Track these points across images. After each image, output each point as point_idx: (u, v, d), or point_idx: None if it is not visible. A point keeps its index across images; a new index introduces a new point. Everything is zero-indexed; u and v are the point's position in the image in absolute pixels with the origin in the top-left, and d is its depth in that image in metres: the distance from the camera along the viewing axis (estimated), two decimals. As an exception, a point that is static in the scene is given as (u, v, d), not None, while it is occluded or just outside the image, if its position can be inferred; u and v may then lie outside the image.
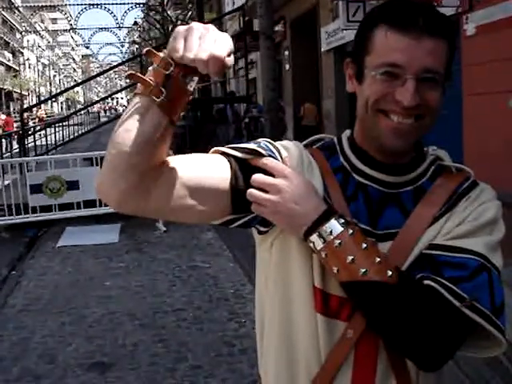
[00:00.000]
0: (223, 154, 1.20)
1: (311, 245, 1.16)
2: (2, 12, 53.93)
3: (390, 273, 1.11)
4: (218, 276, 6.27)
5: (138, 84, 1.06)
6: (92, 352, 4.47)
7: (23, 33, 63.41)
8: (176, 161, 1.14)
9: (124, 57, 59.08)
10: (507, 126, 7.93)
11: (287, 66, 18.42)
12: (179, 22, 32.61)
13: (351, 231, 1.13)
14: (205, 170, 1.16)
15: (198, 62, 0.98)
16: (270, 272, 1.28)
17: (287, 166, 1.19)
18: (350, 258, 1.12)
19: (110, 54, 74.92)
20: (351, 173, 1.26)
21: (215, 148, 1.23)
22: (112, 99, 76.06)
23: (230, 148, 1.21)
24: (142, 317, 5.13)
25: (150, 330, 4.83)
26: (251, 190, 1.15)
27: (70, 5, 51.07)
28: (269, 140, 1.26)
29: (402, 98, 1.14)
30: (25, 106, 42.91)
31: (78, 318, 5.18)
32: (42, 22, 73.79)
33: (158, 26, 34.94)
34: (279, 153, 1.23)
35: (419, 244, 1.19)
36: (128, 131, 1.05)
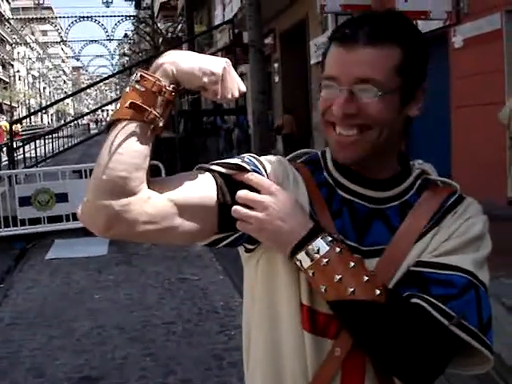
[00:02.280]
0: (208, 170, 1.19)
1: (298, 263, 1.14)
2: (-8, 24, 53.87)
3: (377, 292, 1.10)
4: (208, 288, 6.25)
5: (122, 108, 1.06)
6: (80, 366, 4.43)
7: (13, 45, 63.26)
8: (161, 182, 1.13)
9: (114, 69, 59.16)
10: (495, 137, 7.98)
11: (277, 78, 18.50)
12: (169, 35, 32.71)
13: (338, 249, 1.12)
14: (190, 189, 1.14)
15: (232, 98, 1.10)
16: (256, 289, 1.26)
17: (273, 182, 1.17)
18: (338, 277, 1.11)
19: (101, 66, 75.06)
20: (335, 188, 1.25)
21: (199, 165, 1.22)
22: (102, 111, 75.93)
23: (214, 164, 1.20)
24: (131, 330, 5.10)
25: (139, 344, 4.79)
26: (236, 207, 1.14)
27: (60, 17, 50.94)
28: (253, 155, 1.25)
29: (333, 108, 1.15)
30: (14, 118, 42.74)
31: (67, 331, 5.14)
32: (33, 34, 73.70)
33: (148, 38, 35.00)
34: (264, 168, 1.21)
35: (406, 260, 1.17)
36: (121, 155, 1.05)
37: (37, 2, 25.76)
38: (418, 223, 1.20)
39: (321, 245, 1.12)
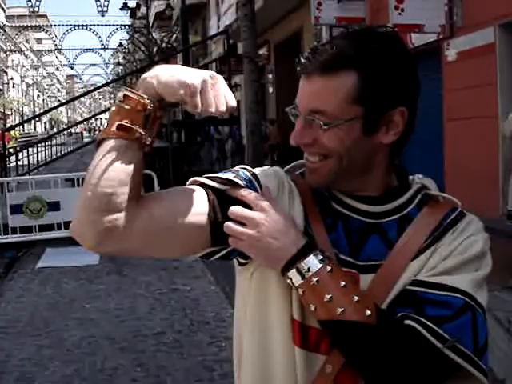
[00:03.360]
0: (201, 184, 1.18)
1: (289, 280, 1.13)
2: (-13, 31, 53.84)
3: (368, 312, 1.08)
4: (199, 299, 6.22)
5: (109, 128, 1.07)
6: (70, 376, 4.39)
7: (8, 52, 63.23)
8: (153, 197, 1.14)
9: (108, 78, 59.25)
10: (488, 150, 8.01)
11: (271, 89, 18.56)
12: (164, 45, 32.79)
13: (329, 268, 1.11)
14: (182, 205, 1.13)
15: (217, 113, 1.07)
16: (249, 302, 1.25)
17: (266, 198, 1.17)
18: (328, 296, 1.09)
19: (95, 75, 75.05)
20: (330, 201, 1.23)
21: (193, 178, 1.21)
22: (96, 120, 75.88)
23: (207, 178, 1.19)
24: (122, 340, 5.07)
25: (130, 354, 4.76)
26: (228, 223, 1.13)
27: (55, 25, 50.92)
28: (247, 167, 1.24)
29: (291, 137, 1.19)
30: (7, 126, 42.64)
31: (57, 341, 5.10)
32: (27, 41, 73.80)
33: (142, 47, 35.05)
34: (258, 181, 1.20)
35: (402, 278, 1.15)
36: (106, 171, 1.05)
37: (32, 9, 25.78)
38: (417, 240, 1.18)
39: (311, 263, 1.11)
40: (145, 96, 1.07)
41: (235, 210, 1.13)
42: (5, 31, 55.23)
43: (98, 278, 7.19)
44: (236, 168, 1.24)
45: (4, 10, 71.08)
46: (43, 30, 51.55)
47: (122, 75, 34.41)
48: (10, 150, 17.89)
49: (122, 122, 1.06)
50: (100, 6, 27.87)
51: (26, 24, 52.89)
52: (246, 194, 1.15)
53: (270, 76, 18.61)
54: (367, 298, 1.11)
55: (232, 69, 15.18)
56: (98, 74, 73.64)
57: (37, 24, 50.23)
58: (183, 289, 6.62)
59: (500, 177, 7.71)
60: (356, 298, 1.09)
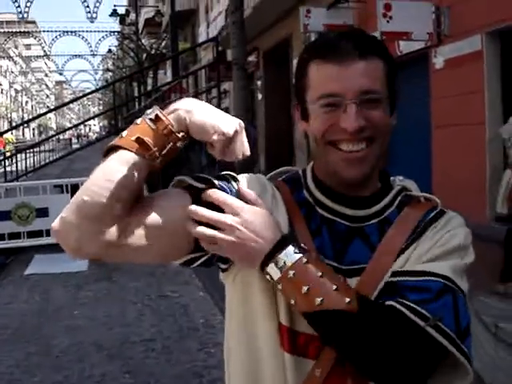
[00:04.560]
0: (185, 186, 1.19)
1: (268, 277, 1.13)
2: (-25, 37, 53.62)
3: (347, 300, 1.08)
4: (188, 305, 6.22)
5: (129, 138, 1.08)
6: (58, 383, 4.38)
7: (-4, 58, 63.02)
8: (140, 205, 1.13)
9: (97, 84, 59.14)
10: (475, 157, 8.06)
11: (260, 96, 18.58)
12: (153, 51, 32.77)
13: (305, 260, 1.10)
14: (167, 211, 1.14)
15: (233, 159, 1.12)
16: (234, 308, 1.26)
17: (236, 199, 1.15)
18: (305, 288, 1.09)
19: (84, 81, 74.96)
20: (315, 206, 1.24)
21: (178, 178, 1.22)
22: (85, 126, 75.65)
23: (190, 178, 1.20)
24: (110, 347, 5.05)
25: (118, 361, 4.75)
26: (198, 229, 1.12)
27: (44, 31, 50.79)
28: (231, 173, 1.25)
29: (346, 125, 1.14)
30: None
31: (45, 347, 5.08)
32: (16, 47, 73.49)
33: (132, 54, 35.01)
34: (237, 184, 1.21)
35: (386, 279, 1.16)
36: (110, 182, 1.06)
37: (21, 16, 25.71)
38: (398, 239, 1.19)
39: (288, 257, 1.10)
40: (174, 127, 1.09)
41: (208, 214, 1.12)
42: (-7, 37, 55.01)
43: (86, 284, 7.16)
44: (222, 173, 1.24)
45: (-8, 16, 70.78)
46: (32, 36, 51.48)
47: (111, 81, 34.33)
48: (8, 154, 17.86)
49: (145, 139, 1.07)
50: (89, 12, 27.85)
51: (14, 30, 52.69)
52: (212, 193, 1.14)
53: (259, 83, 18.64)
54: (346, 286, 1.12)
55: (221, 75, 15.21)
56: (86, 80, 73.60)
57: (26, 30, 50.10)
58: (172, 295, 6.62)
59: (487, 183, 7.76)
60: (334, 286, 1.09)
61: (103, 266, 7.83)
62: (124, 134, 1.10)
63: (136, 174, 1.07)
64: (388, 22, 8.51)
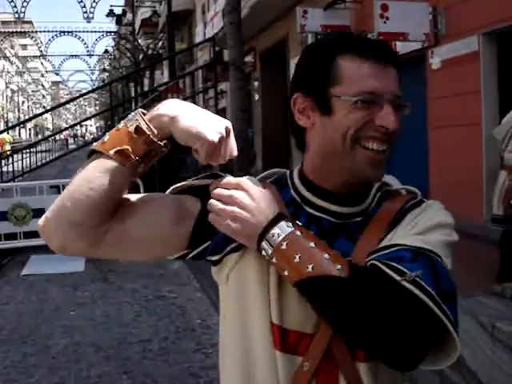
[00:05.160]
0: (185, 189, 1.24)
1: (264, 253, 1.14)
2: (-29, 37, 53.50)
3: (338, 266, 1.08)
4: (185, 306, 6.21)
5: (110, 146, 1.09)
6: (55, 384, 4.37)
7: (-8, 58, 62.92)
8: (127, 207, 1.17)
9: (94, 84, 59.10)
10: (472, 157, 8.07)
11: (257, 97, 18.57)
12: (150, 51, 32.75)
13: (298, 232, 1.12)
14: (156, 213, 1.18)
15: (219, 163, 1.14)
16: (228, 305, 1.28)
17: (241, 179, 1.19)
18: (297, 256, 1.10)
19: (80, 81, 75.02)
20: (302, 205, 1.26)
21: (174, 186, 1.26)
22: (81, 126, 75.56)
23: (189, 182, 1.26)
24: (107, 348, 5.05)
25: (115, 362, 4.74)
26: (211, 201, 1.16)
27: (40, 31, 50.70)
28: (227, 175, 1.26)
29: (385, 123, 1.15)
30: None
31: (42, 348, 5.07)
32: (12, 47, 73.31)
33: (128, 54, 34.99)
34: None
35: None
36: (91, 190, 1.08)
37: (17, 16, 25.65)
38: (377, 231, 1.21)
39: (281, 229, 1.12)
40: (156, 135, 1.09)
41: (216, 190, 1.16)
42: (-11, 37, 54.91)
43: (83, 285, 7.16)
44: (219, 173, 1.27)
45: (-11, 16, 70.68)
46: (28, 36, 51.31)
47: (107, 82, 34.29)
48: (4, 155, 17.86)
49: (124, 149, 1.09)
50: (86, 12, 27.80)
51: (11, 30, 52.58)
52: (223, 179, 1.18)
53: (256, 83, 18.64)
54: (338, 256, 1.12)
55: (218, 76, 15.20)
56: (83, 81, 73.65)
57: (22, 30, 49.97)
58: (169, 296, 6.61)
59: (484, 184, 7.77)
60: (326, 255, 1.10)
61: (99, 267, 7.84)
62: (106, 138, 1.12)
63: (117, 182, 1.10)
64: (385, 22, 8.51)
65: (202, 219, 1.19)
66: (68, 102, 31.81)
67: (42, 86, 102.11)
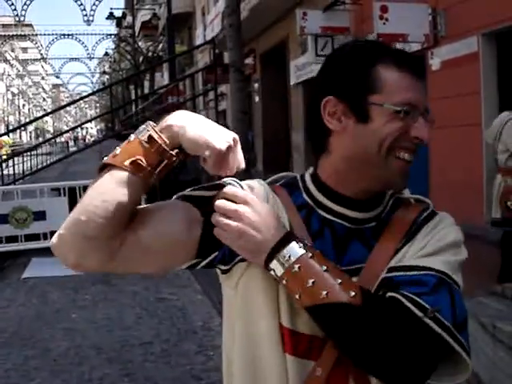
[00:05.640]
0: (188, 197, 1.22)
1: (272, 273, 1.14)
2: (-29, 41, 53.57)
3: (352, 293, 1.09)
4: (186, 308, 6.21)
5: (123, 158, 1.09)
6: (56, 387, 4.37)
7: (-8, 62, 63.00)
8: (140, 217, 1.16)
9: (94, 87, 59.16)
10: (472, 159, 8.08)
11: (257, 99, 18.60)
12: (150, 54, 32.79)
13: (310, 254, 1.12)
14: (168, 223, 1.17)
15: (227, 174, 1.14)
16: (235, 310, 1.26)
17: (248, 192, 1.19)
18: (311, 281, 1.10)
19: (80, 84, 75.02)
20: (316, 209, 1.25)
21: (179, 193, 1.24)
22: (82, 129, 75.60)
23: (193, 190, 1.23)
24: (109, 350, 5.04)
25: (117, 364, 4.74)
26: (215, 214, 1.15)
27: (40, 34, 50.87)
28: (234, 179, 1.25)
29: (420, 135, 1.18)
30: None
31: (43, 351, 5.07)
32: (13, 50, 73.48)
33: (128, 57, 35.04)
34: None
35: (383, 275, 1.18)
36: (106, 202, 1.08)
37: (17, 19, 25.77)
38: (393, 240, 1.22)
39: (292, 251, 1.12)
40: (168, 145, 1.10)
41: (220, 203, 1.15)
42: (-10, 40, 54.99)
43: (84, 287, 7.15)
44: (224, 179, 1.25)
45: (-11, 20, 70.75)
46: (29, 39, 51.45)
47: (108, 84, 34.31)
48: (4, 157, 17.88)
49: (137, 159, 1.09)
50: (86, 15, 27.86)
51: (11, 33, 52.67)
52: (228, 190, 1.17)
53: (256, 85, 18.66)
54: (351, 280, 1.13)
55: (218, 78, 15.22)
56: (83, 83, 73.66)
57: (22, 33, 50.07)
58: (170, 298, 6.61)
59: (484, 184, 7.77)
60: (339, 280, 1.10)
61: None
62: (118, 151, 1.12)
63: (131, 193, 1.09)
64: (384, 23, 8.52)
65: (207, 229, 1.18)
66: (68, 104, 31.76)
67: (43, 88, 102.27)
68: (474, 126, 8.02)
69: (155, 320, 5.85)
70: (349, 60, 1.22)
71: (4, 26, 70.84)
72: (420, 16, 8.72)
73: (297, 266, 1.11)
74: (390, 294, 1.12)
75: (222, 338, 1.34)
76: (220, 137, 1.09)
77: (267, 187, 1.28)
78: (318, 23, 11.19)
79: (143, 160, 1.09)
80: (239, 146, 1.13)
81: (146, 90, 28.59)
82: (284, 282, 1.13)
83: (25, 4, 26.53)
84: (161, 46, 32.44)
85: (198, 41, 25.34)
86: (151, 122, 1.13)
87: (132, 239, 1.14)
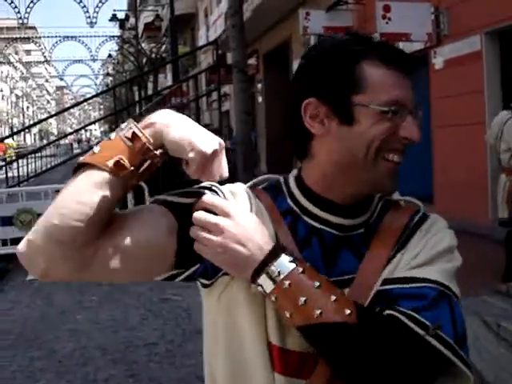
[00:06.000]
0: (166, 202, 1.12)
1: (260, 289, 1.06)
2: (-25, 44, 53.76)
3: (347, 311, 1.02)
4: (191, 309, 6.21)
5: (102, 157, 1.01)
6: (62, 388, 4.38)
7: (-4, 64, 63.20)
8: (116, 224, 1.06)
9: (98, 88, 59.25)
10: (476, 157, 8.07)
11: (260, 99, 18.62)
12: (153, 55, 32.83)
13: (301, 269, 1.04)
14: (146, 229, 1.07)
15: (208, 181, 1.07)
16: (219, 328, 1.17)
17: (230, 202, 1.11)
18: (303, 299, 1.02)
19: (84, 86, 75.13)
20: (301, 215, 1.17)
21: (156, 197, 1.15)
22: (85, 131, 75.75)
23: (171, 195, 1.14)
24: (114, 351, 5.05)
25: (122, 365, 4.75)
26: (194, 228, 1.07)
27: (44, 37, 50.99)
28: (215, 184, 1.16)
29: (409, 135, 1.11)
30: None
31: (48, 352, 5.08)
32: (16, 53, 73.66)
33: (132, 58, 35.09)
34: (224, 197, 1.15)
35: (376, 287, 1.10)
36: (82, 205, 1.00)
37: (21, 21, 25.83)
38: (385, 247, 1.14)
39: (281, 266, 1.04)
40: (151, 143, 1.02)
41: (199, 215, 1.07)
42: (-7, 43, 55.18)
43: (89, 289, 7.15)
44: (203, 184, 1.16)
45: (-8, 22, 70.99)
46: (32, 41, 51.54)
47: (111, 86, 34.38)
48: (9, 160, 17.91)
49: (120, 159, 1.00)
50: (89, 17, 27.89)
51: (14, 36, 52.79)
52: (207, 199, 1.09)
53: (260, 85, 18.67)
54: (345, 297, 1.06)
55: (221, 79, 15.24)
56: (87, 85, 73.81)
57: (26, 36, 50.17)
58: (174, 299, 6.61)
59: (489, 183, 7.76)
60: (333, 297, 1.03)
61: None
62: (96, 149, 1.03)
63: (110, 196, 1.01)
64: (387, 23, 8.53)
65: (186, 239, 1.08)
66: (72, 106, 31.87)
67: (47, 91, 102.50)
68: (477, 124, 8.01)
69: (160, 321, 5.86)
70: (329, 58, 1.12)
71: (7, 28, 71.02)
72: (423, 15, 8.72)
73: (287, 283, 1.03)
74: (387, 311, 1.05)
75: (203, 353, 1.25)
76: (206, 139, 1.02)
77: (250, 192, 1.20)
78: (320, 23, 11.19)
79: (125, 159, 1.00)
80: (224, 153, 1.06)
81: (150, 92, 28.62)
82: (273, 298, 1.05)
83: (28, 7, 26.61)
84: (164, 47, 32.47)
85: (201, 42, 25.37)
86: (132, 119, 1.06)
87: (107, 246, 1.04)
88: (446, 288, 1.07)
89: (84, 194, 1.00)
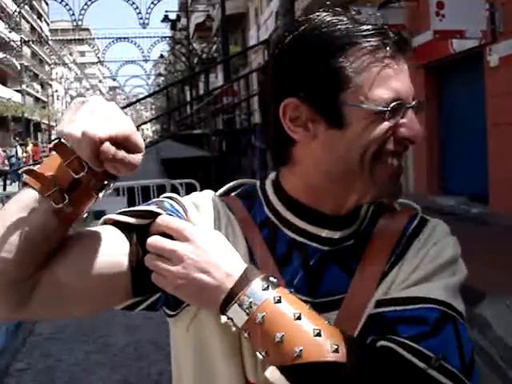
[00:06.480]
0: (117, 223, 0.96)
1: (230, 322, 0.90)
2: (32, 45, 55.22)
3: (334, 347, 0.84)
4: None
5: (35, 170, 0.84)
6: (117, 381, 4.49)
7: (52, 65, 64.77)
8: (59, 253, 0.89)
9: (150, 89, 60.10)
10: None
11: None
12: (204, 55, 33.12)
13: (277, 297, 0.87)
14: (93, 256, 0.90)
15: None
16: (189, 364, 1.02)
17: (188, 224, 0.94)
18: (279, 335, 0.85)
19: (136, 87, 76.23)
20: (281, 227, 1.01)
21: (106, 217, 0.97)
22: (138, 130, 76.65)
23: (123, 214, 0.96)
24: (167, 346, 5.10)
25: (174, 360, 4.81)
26: (148, 256, 0.91)
27: (97, 38, 52.00)
28: (176, 197, 1.02)
29: (411, 134, 0.93)
30: (52, 137, 43.45)
31: (103, 346, 5.21)
32: (71, 54, 75.30)
33: (183, 58, 35.46)
34: (185, 212, 0.99)
35: (370, 309, 0.95)
36: (7, 229, 0.83)
37: (75, 23, 26.31)
38: (378, 261, 0.98)
39: (254, 295, 0.87)
40: (74, 153, 0.81)
41: (154, 241, 0.90)
42: (49, 45, 56.59)
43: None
44: (161, 198, 1.02)
45: (48, 24, 72.80)
46: (86, 43, 52.64)
47: (163, 86, 34.82)
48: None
49: (49, 175, 0.83)
50: (141, 18, 28.27)
51: (69, 37, 54.03)
52: (162, 221, 0.93)
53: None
54: (331, 328, 0.88)
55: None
56: (139, 86, 74.84)
57: (80, 37, 51.26)
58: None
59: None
60: (316, 330, 0.86)
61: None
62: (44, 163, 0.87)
63: (36, 219, 0.83)
64: (441, 20, 8.41)
65: (141, 265, 0.93)
66: (125, 106, 32.33)
67: (100, 91, 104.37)
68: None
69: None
70: (307, 47, 0.92)
71: (62, 30, 72.74)
72: (477, 12, 8.57)
73: (260, 316, 0.86)
74: (381, 342, 0.89)
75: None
76: (103, 124, 0.80)
77: (218, 202, 1.04)
78: (371, 21, 11.11)
79: (52, 174, 0.83)
80: (136, 137, 0.83)
81: (201, 91, 28.86)
82: (246, 334, 0.88)
83: (82, 9, 27.15)
84: (215, 47, 32.72)
85: (252, 41, 25.45)
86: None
87: (48, 279, 0.87)
88: (449, 308, 0.92)
89: (11, 219, 0.83)
